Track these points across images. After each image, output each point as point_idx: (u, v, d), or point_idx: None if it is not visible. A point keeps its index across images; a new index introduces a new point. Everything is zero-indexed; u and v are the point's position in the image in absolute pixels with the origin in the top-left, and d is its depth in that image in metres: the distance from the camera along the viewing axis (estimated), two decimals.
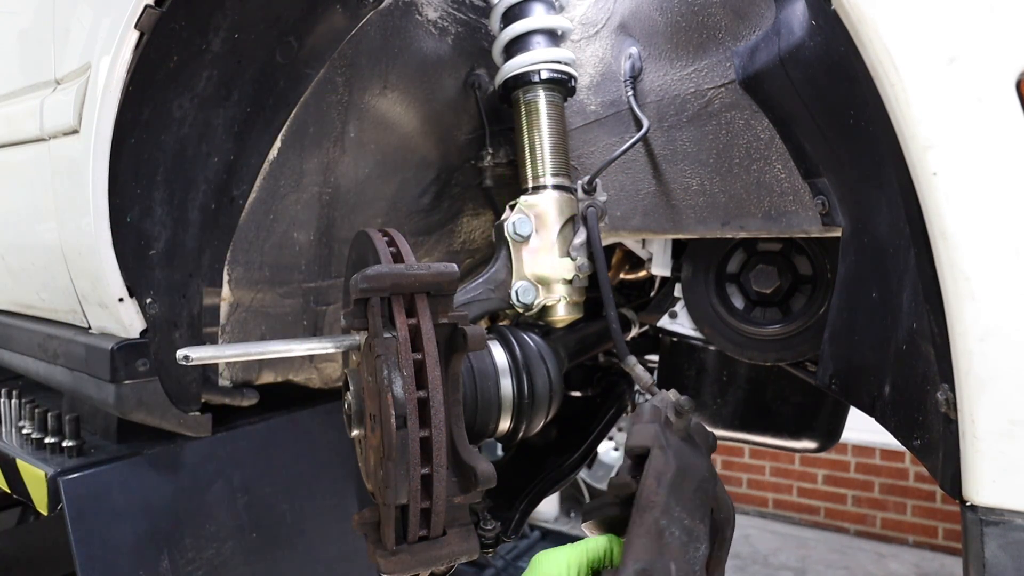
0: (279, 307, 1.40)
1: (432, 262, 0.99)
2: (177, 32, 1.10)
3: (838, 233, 1.03)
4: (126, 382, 1.19)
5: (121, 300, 1.17)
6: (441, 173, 1.51)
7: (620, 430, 4.19)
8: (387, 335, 0.85)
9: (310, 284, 1.42)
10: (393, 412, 0.80)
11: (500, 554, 4.10)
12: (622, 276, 1.76)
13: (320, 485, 1.60)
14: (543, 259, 1.24)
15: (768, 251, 1.35)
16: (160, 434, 1.31)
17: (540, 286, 1.25)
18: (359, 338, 0.94)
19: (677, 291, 1.45)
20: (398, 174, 1.45)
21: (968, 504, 0.69)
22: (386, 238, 0.96)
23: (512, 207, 1.25)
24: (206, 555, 1.37)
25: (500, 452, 1.86)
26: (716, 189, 1.19)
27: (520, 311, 1.25)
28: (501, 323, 1.47)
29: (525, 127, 1.29)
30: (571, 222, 1.27)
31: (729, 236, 1.24)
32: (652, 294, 1.71)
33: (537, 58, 1.25)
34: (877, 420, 0.92)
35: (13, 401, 1.62)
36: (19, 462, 1.38)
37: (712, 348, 1.47)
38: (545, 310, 1.27)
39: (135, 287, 1.18)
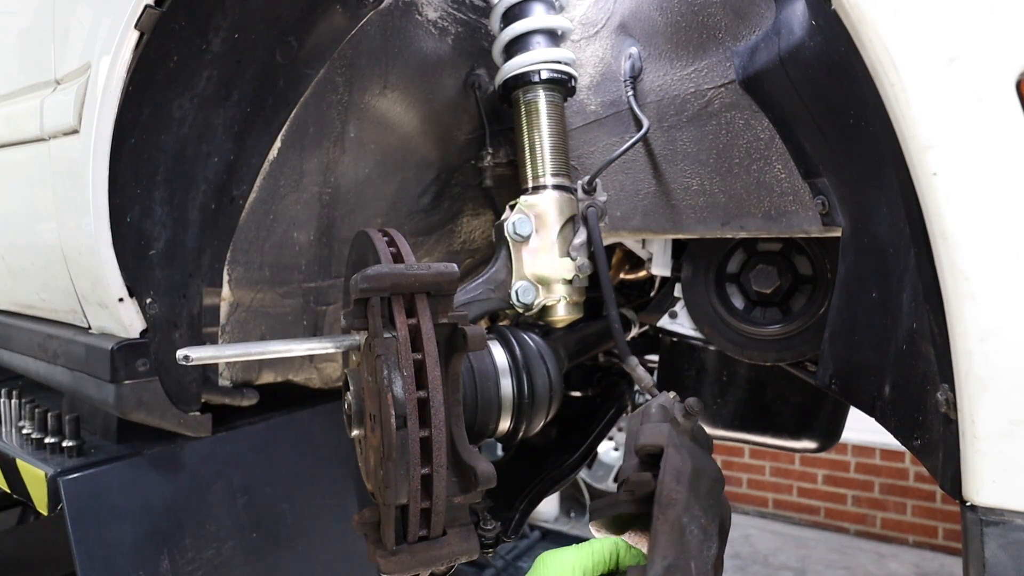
0: (279, 307, 1.40)
1: (432, 262, 0.99)
2: (177, 32, 1.10)
3: (838, 233, 1.03)
4: (126, 382, 1.19)
5: (121, 300, 1.17)
6: (441, 173, 1.51)
7: (620, 430, 4.18)
8: (387, 335, 0.85)
9: (310, 284, 1.42)
10: (393, 412, 0.80)
11: (500, 554, 4.09)
12: (622, 276, 1.76)
13: (320, 485, 1.60)
14: (543, 259, 1.24)
15: (768, 251, 1.35)
16: (160, 434, 1.31)
17: (540, 286, 1.25)
18: (359, 338, 0.94)
19: (677, 291, 1.45)
20: (398, 174, 1.45)
21: (968, 504, 0.69)
22: (386, 238, 0.96)
23: (512, 207, 1.25)
24: (206, 555, 1.37)
25: (500, 452, 1.86)
26: (716, 189, 1.19)
27: (520, 311, 1.25)
28: (501, 323, 1.47)
29: (525, 127, 1.29)
30: (571, 222, 1.27)
31: (729, 236, 1.24)
32: (652, 294, 1.71)
33: (537, 58, 1.25)
34: (877, 420, 0.92)
35: (13, 401, 1.62)
36: (19, 462, 1.38)
37: (712, 348, 1.47)
38: (545, 310, 1.27)
39: (135, 287, 1.18)
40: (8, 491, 1.46)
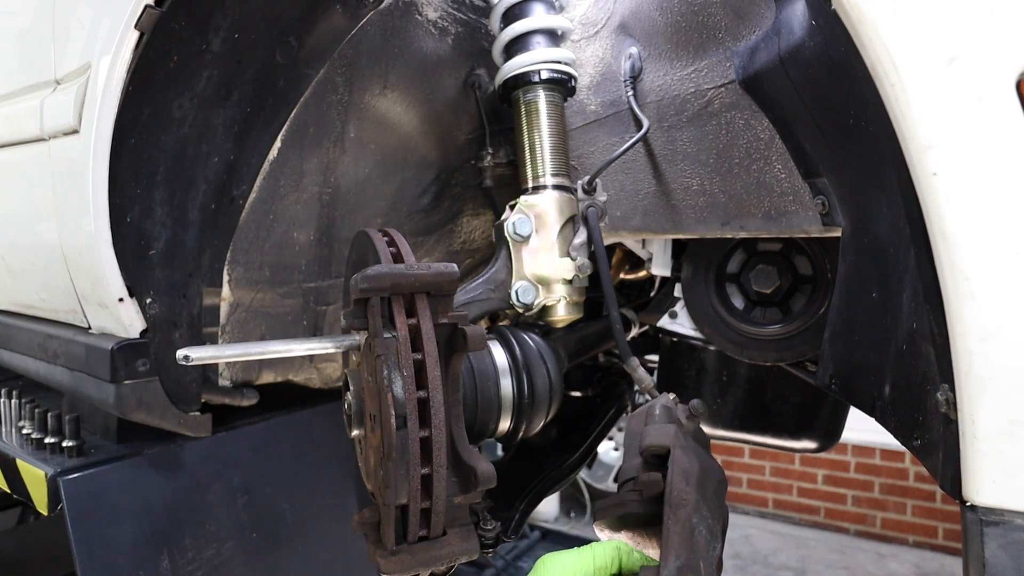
0: (279, 307, 1.40)
1: (432, 262, 0.99)
2: (177, 32, 1.10)
3: (838, 233, 1.03)
4: (126, 382, 1.19)
5: (121, 300, 1.17)
6: (441, 173, 1.51)
7: (620, 430, 4.19)
8: (387, 335, 0.84)
9: (310, 284, 1.42)
10: (393, 412, 0.80)
11: (500, 554, 4.10)
12: (622, 276, 1.76)
13: (320, 485, 1.60)
14: (543, 259, 1.24)
15: (768, 251, 1.35)
16: (160, 434, 1.31)
17: (540, 286, 1.25)
18: (359, 338, 0.94)
19: (677, 291, 1.45)
20: (398, 174, 1.45)
21: (968, 504, 0.69)
22: (386, 238, 0.96)
23: (512, 207, 1.25)
24: (206, 555, 1.37)
25: (500, 452, 1.86)
26: (716, 189, 1.19)
27: (520, 311, 1.25)
28: (501, 323, 1.47)
29: (525, 127, 1.29)
30: (571, 222, 1.27)
31: (729, 236, 1.24)
32: (652, 294, 1.71)
33: (537, 58, 1.25)
34: (877, 420, 0.92)
35: (13, 401, 1.62)
36: (19, 462, 1.38)
37: (712, 348, 1.47)
38: (545, 310, 1.27)
39: (135, 287, 1.18)
40: (8, 491, 1.46)
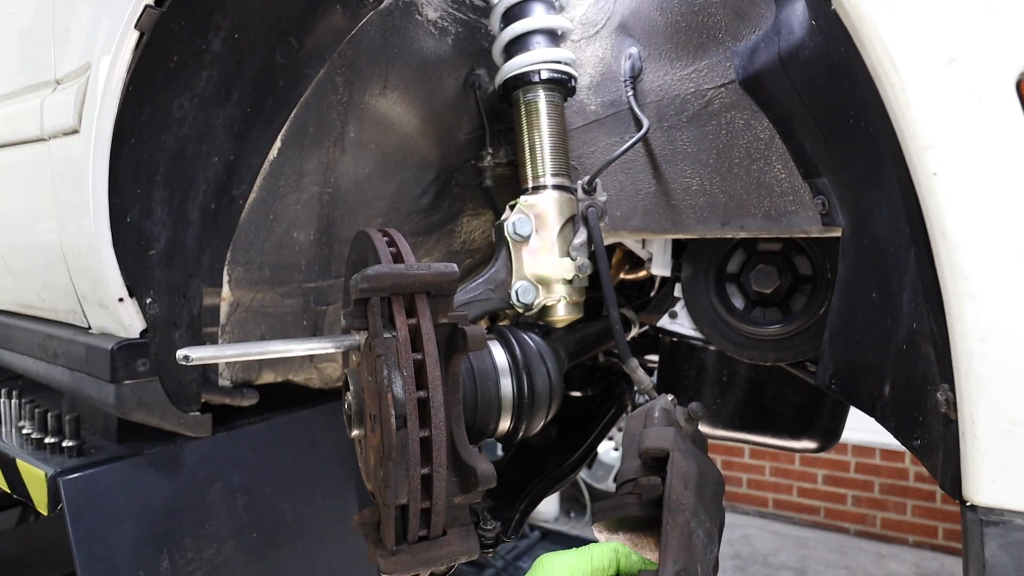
0: (279, 307, 1.40)
1: (432, 262, 0.99)
2: (177, 32, 1.10)
3: (838, 233, 1.03)
4: (126, 382, 1.19)
5: (121, 300, 1.17)
6: (441, 173, 1.51)
7: (620, 430, 4.19)
8: (387, 335, 0.85)
9: (310, 284, 1.42)
10: (393, 412, 0.80)
11: (500, 554, 4.10)
12: (622, 276, 1.76)
13: (320, 485, 1.60)
14: (543, 259, 1.24)
15: (768, 251, 1.35)
16: (160, 434, 1.31)
17: (540, 286, 1.25)
18: (359, 338, 0.94)
19: (677, 291, 1.45)
20: (398, 174, 1.45)
21: (968, 504, 0.69)
22: (386, 238, 0.96)
23: (512, 207, 1.25)
24: (206, 555, 1.37)
25: (500, 452, 1.86)
26: (716, 189, 1.19)
27: (520, 311, 1.25)
28: (501, 323, 1.47)
29: (525, 127, 1.29)
30: (571, 222, 1.27)
31: (729, 236, 1.24)
32: (652, 294, 1.71)
33: (537, 58, 1.25)
34: (877, 420, 0.92)
35: (13, 401, 1.62)
36: (19, 462, 1.38)
37: (712, 348, 1.47)
38: (545, 310, 1.27)
39: (135, 287, 1.18)
40: (8, 491, 1.46)
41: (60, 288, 1.33)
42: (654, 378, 1.63)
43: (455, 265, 0.90)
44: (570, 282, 1.25)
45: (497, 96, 1.36)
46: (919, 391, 0.79)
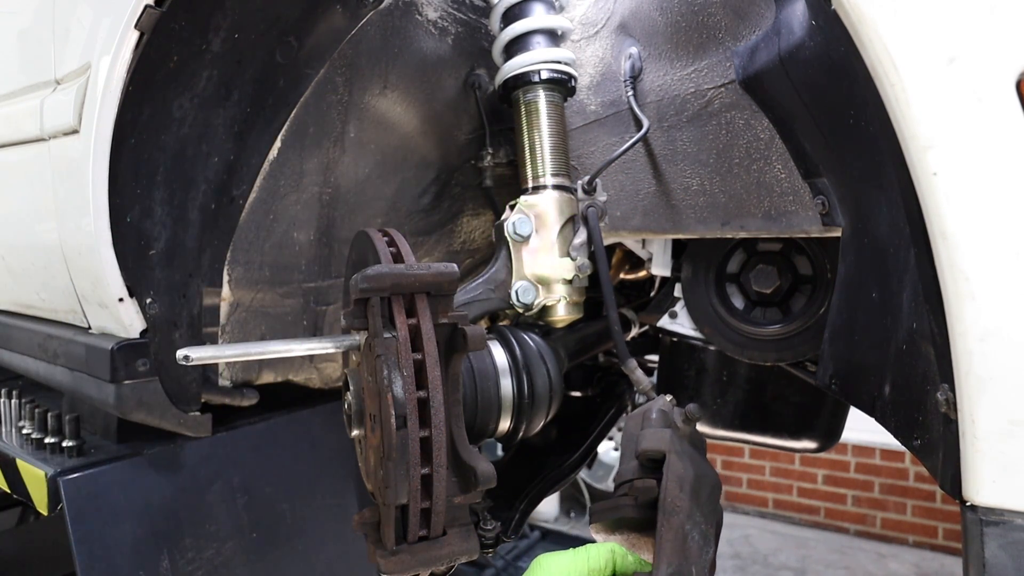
0: (279, 307, 1.40)
1: (432, 262, 0.99)
2: (177, 32, 1.10)
3: (838, 233, 1.03)
4: (126, 382, 1.19)
5: (121, 300, 1.17)
6: (441, 173, 1.51)
7: (620, 430, 4.19)
8: (387, 335, 0.85)
9: (310, 284, 1.42)
10: (393, 412, 0.80)
11: (500, 554, 4.10)
12: (622, 276, 1.76)
13: (320, 485, 1.60)
14: (543, 259, 1.24)
15: (768, 251, 1.35)
16: (160, 434, 1.31)
17: (540, 286, 1.25)
18: (359, 338, 0.94)
19: (677, 291, 1.45)
20: (398, 174, 1.45)
21: (968, 504, 0.69)
22: (386, 238, 0.96)
23: (512, 207, 1.25)
24: (206, 555, 1.37)
25: (500, 452, 1.87)
26: (716, 189, 1.19)
27: (520, 311, 1.25)
28: (501, 323, 1.47)
29: (525, 127, 1.29)
30: (571, 222, 1.27)
31: (729, 236, 1.24)
32: (652, 294, 1.71)
33: (537, 58, 1.25)
34: (877, 420, 0.92)
35: (13, 401, 1.62)
36: (19, 462, 1.38)
37: (712, 348, 1.47)
38: (545, 310, 1.27)
39: (135, 287, 1.18)
40: (8, 491, 1.46)
41: (60, 288, 1.33)
42: (654, 378, 1.63)
43: (455, 265, 0.90)
44: (570, 282, 1.25)
45: (497, 96, 1.36)
46: (919, 391, 0.79)
